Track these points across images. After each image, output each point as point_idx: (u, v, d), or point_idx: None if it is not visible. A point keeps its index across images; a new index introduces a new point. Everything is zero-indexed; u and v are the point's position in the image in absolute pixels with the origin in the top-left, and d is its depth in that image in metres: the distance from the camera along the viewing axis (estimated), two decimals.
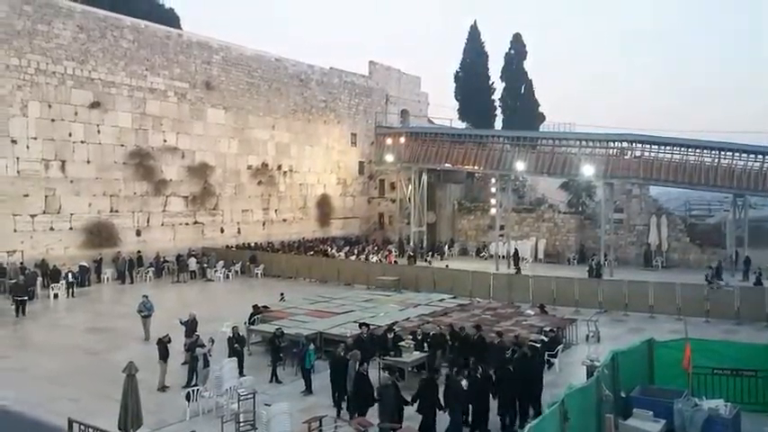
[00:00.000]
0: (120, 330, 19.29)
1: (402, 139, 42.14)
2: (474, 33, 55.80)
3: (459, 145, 39.73)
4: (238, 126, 37.25)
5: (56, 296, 24.73)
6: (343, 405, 12.03)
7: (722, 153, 31.77)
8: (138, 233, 31.68)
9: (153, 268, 30.55)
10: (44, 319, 21.78)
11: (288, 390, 13.53)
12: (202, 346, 13.74)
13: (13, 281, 23.24)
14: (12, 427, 9.31)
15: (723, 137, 32.57)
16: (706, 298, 20.59)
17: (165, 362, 13.82)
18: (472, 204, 43.44)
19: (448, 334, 15.12)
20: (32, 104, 27.47)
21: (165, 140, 33.02)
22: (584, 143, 35.47)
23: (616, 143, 34.65)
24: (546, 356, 14.49)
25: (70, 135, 28.87)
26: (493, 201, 38.62)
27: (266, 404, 11.66)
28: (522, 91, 56.01)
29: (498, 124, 55.55)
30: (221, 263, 31.70)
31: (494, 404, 11.46)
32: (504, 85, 56.14)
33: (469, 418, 11.23)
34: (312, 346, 14.02)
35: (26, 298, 21.80)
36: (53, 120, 28.25)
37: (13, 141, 26.82)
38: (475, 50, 55.36)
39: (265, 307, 18.66)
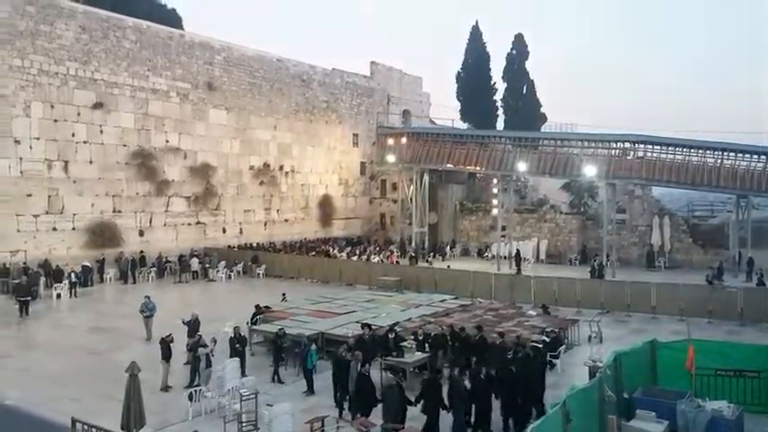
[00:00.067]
0: (122, 330, 19.31)
1: (404, 140, 42.17)
2: (475, 34, 55.80)
3: (460, 145, 39.73)
4: (240, 126, 37.29)
5: (59, 296, 24.77)
6: (345, 405, 12.03)
7: (725, 153, 31.73)
8: (141, 233, 31.73)
9: (155, 268, 30.58)
10: (47, 318, 21.82)
11: (290, 390, 13.54)
12: (205, 346, 13.76)
13: (17, 281, 23.27)
14: (16, 426, 9.32)
15: (726, 137, 32.46)
16: (709, 299, 20.55)
17: (168, 362, 13.82)
18: (474, 205, 43.42)
19: (448, 334, 15.12)
20: (35, 105, 27.53)
21: (167, 141, 33.07)
22: (586, 144, 35.46)
23: (618, 143, 34.63)
24: (548, 357, 14.47)
25: (73, 135, 28.93)
26: (494, 201, 38.61)
27: (268, 404, 11.67)
28: (524, 91, 56.00)
29: (500, 125, 55.55)
30: (223, 263, 31.72)
31: (496, 404, 11.45)
32: (505, 85, 56.14)
33: (472, 419, 11.22)
34: (314, 347, 14.03)
35: (29, 298, 21.84)
36: (56, 120, 28.30)
37: (17, 142, 26.88)
38: (476, 51, 55.37)
39: (267, 307, 18.66)
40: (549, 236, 38.64)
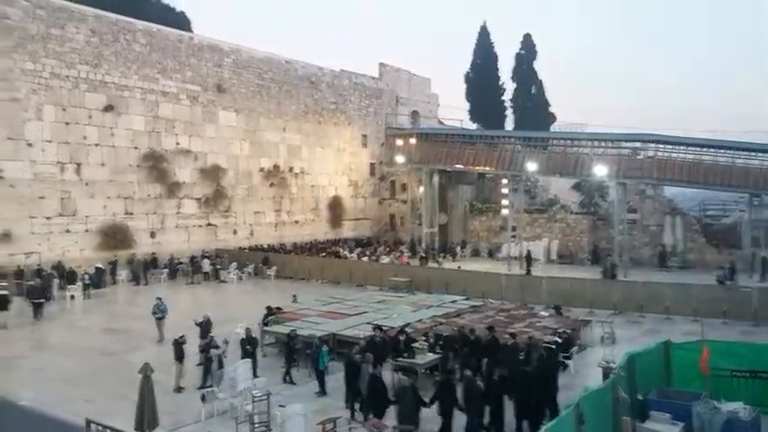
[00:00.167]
0: (135, 332, 19.42)
1: (412, 141, 42.14)
2: (484, 34, 55.71)
3: (470, 146, 39.65)
4: (250, 128, 37.43)
5: (72, 297, 24.95)
6: (357, 407, 12.02)
7: (737, 152, 31.44)
8: (153, 235, 31.93)
9: (167, 270, 30.73)
10: (61, 320, 21.98)
11: (302, 391, 13.55)
12: (217, 347, 13.80)
13: (30, 283, 23.45)
14: (31, 426, 9.40)
15: (738, 136, 32.13)
16: (723, 299, 20.37)
17: (181, 362, 13.88)
18: (484, 205, 43.29)
19: (458, 336, 15.04)
20: (47, 108, 27.78)
21: (177, 143, 33.26)
22: (596, 143, 35.28)
23: (629, 143, 34.42)
24: (561, 358, 14.38)
25: (84, 138, 29.17)
26: (504, 202, 38.46)
27: (280, 405, 11.68)
28: (533, 91, 55.83)
29: (509, 125, 55.43)
30: (234, 264, 31.84)
31: (508, 405, 11.40)
32: (514, 85, 56.00)
33: (485, 420, 11.17)
34: (325, 348, 14.03)
35: (43, 300, 21.98)
36: (67, 123, 28.54)
37: (29, 145, 27.14)
38: (485, 51, 55.28)
39: (278, 308, 18.69)
40: (560, 236, 38.44)
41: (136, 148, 31.31)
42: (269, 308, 18.04)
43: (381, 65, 49.41)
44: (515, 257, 33.87)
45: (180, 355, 13.88)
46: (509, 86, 56.17)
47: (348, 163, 44.74)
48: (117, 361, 16.05)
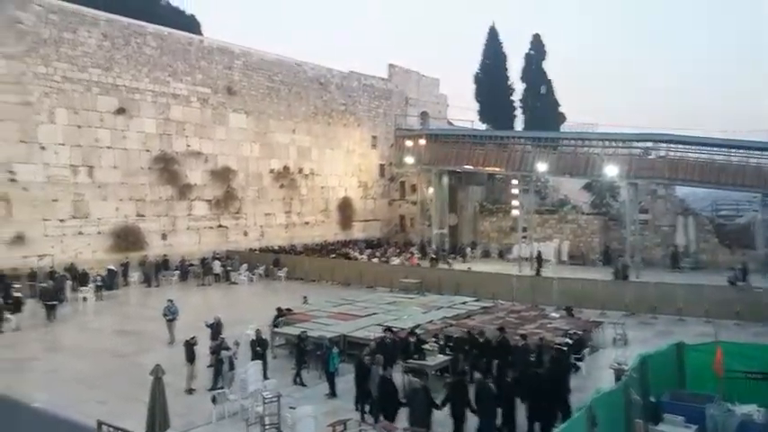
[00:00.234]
0: (147, 333, 19.54)
1: (422, 141, 42.12)
2: (493, 35, 55.67)
3: (479, 146, 39.56)
4: (260, 130, 37.57)
5: (84, 299, 25.14)
6: (367, 409, 12.01)
7: (750, 152, 31.12)
8: (164, 237, 32.13)
9: (178, 271, 30.89)
10: (73, 322, 22.15)
11: (312, 393, 13.56)
12: (227, 348, 13.84)
13: (43, 285, 23.67)
14: (44, 428, 9.48)
15: (743, 136, 31.85)
16: (736, 300, 20.17)
17: (192, 364, 13.93)
18: (494, 206, 43.15)
19: (467, 338, 14.98)
20: (59, 111, 28.04)
21: (188, 145, 33.45)
22: (606, 143, 35.08)
23: (640, 143, 34.19)
24: (572, 360, 14.31)
25: (97, 141, 29.41)
26: (515, 202, 38.33)
27: (291, 407, 11.70)
28: (543, 91, 55.67)
29: (519, 125, 55.29)
30: (245, 266, 31.94)
31: (520, 407, 11.36)
32: (524, 85, 55.87)
33: (497, 422, 11.13)
34: (336, 350, 14.03)
35: (56, 302, 22.16)
36: (80, 126, 28.79)
37: (42, 148, 27.39)
38: (494, 52, 55.23)
39: (289, 310, 18.72)
40: (571, 237, 38.23)
41: (147, 150, 31.52)
42: (279, 309, 18.08)
43: (391, 66, 49.43)
44: (526, 258, 33.72)
45: (191, 357, 13.94)
46: (518, 87, 56.09)
47: (358, 164, 44.79)
48: (129, 362, 16.16)
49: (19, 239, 26.29)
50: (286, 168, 39.14)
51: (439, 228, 40.06)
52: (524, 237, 35.39)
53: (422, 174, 42.28)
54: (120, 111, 30.32)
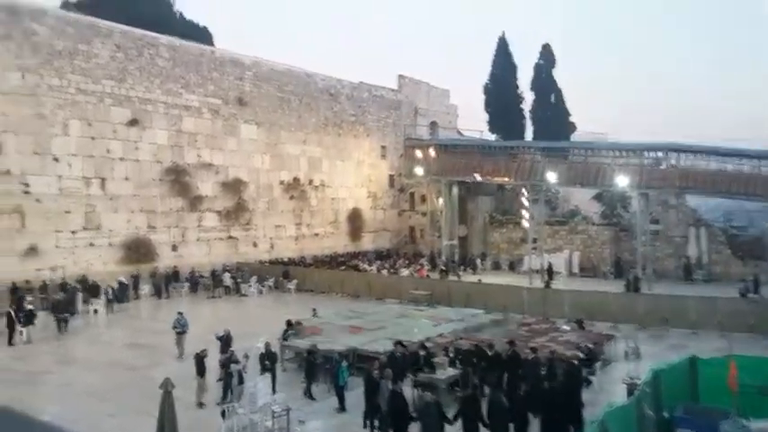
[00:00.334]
0: (157, 347, 19.56)
1: (432, 152, 42.17)
2: (502, 45, 55.78)
3: (489, 157, 39.55)
4: (271, 141, 37.77)
5: (95, 312, 25.25)
6: (376, 423, 11.94)
7: (762, 161, 30.83)
8: (175, 248, 32.26)
9: (188, 283, 30.97)
10: (84, 334, 22.24)
11: (321, 407, 13.51)
12: (237, 362, 13.83)
13: (56, 297, 23.80)
14: None
15: (750, 143, 31.67)
16: (751, 313, 19.92)
17: (203, 377, 13.92)
18: (504, 217, 43.02)
19: (476, 351, 14.87)
20: (73, 123, 28.32)
21: (199, 157, 33.67)
22: (617, 153, 34.93)
23: (650, 152, 34.01)
24: (584, 374, 14.17)
25: (109, 152, 29.66)
26: (525, 213, 38.20)
27: (300, 421, 11.68)
28: (553, 101, 55.66)
29: (529, 135, 55.24)
30: (255, 278, 31.97)
31: (533, 421, 11.26)
32: (533, 95, 55.88)
33: None
34: (345, 363, 13.98)
35: (67, 315, 22.23)
36: (93, 138, 29.06)
37: (55, 159, 27.67)
38: (504, 62, 55.32)
39: (298, 322, 18.70)
40: (582, 248, 38.01)
41: (159, 162, 31.75)
42: (289, 322, 18.06)
43: (400, 77, 49.61)
44: (536, 270, 33.52)
45: (201, 370, 13.94)
46: (528, 96, 56.09)
47: (367, 175, 44.86)
48: (139, 376, 16.18)
49: (32, 251, 26.51)
50: (296, 180, 39.28)
51: (449, 239, 39.97)
52: (534, 248, 35.21)
53: (431, 184, 42.27)
54: (133, 122, 30.59)
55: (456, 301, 24.80)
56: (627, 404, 9.82)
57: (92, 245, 28.79)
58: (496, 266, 40.51)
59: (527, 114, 56.63)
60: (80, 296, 26.08)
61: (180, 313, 18.55)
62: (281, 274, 32.78)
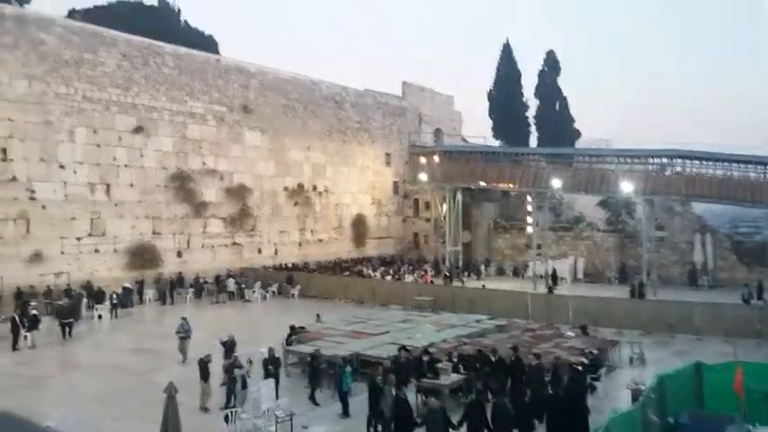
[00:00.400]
0: (161, 352, 19.58)
1: (436, 158, 42.26)
2: (506, 51, 55.85)
3: (493, 163, 39.59)
4: (275, 148, 37.89)
5: (100, 317, 25.31)
6: (379, 429, 11.91)
7: (767, 167, 30.74)
8: (179, 254, 32.34)
9: (193, 289, 31.02)
10: (89, 340, 22.28)
11: (325, 412, 13.49)
12: (240, 367, 13.83)
13: (60, 303, 23.86)
14: None
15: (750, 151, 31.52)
16: (756, 319, 19.82)
17: (207, 382, 13.92)
18: (508, 223, 43.00)
19: (478, 357, 14.82)
20: (79, 130, 28.50)
21: (204, 163, 33.80)
22: (622, 159, 34.89)
23: (655, 159, 33.96)
24: (588, 380, 14.11)
25: (114, 159, 29.81)
26: (529, 219, 38.17)
27: (304, 426, 11.66)
28: (557, 107, 55.66)
29: (533, 141, 55.24)
30: (259, 283, 31.99)
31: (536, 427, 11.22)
32: (537, 102, 55.90)
33: None
34: (349, 369, 13.97)
35: (72, 320, 22.25)
36: (98, 145, 29.23)
37: (61, 167, 27.83)
38: (508, 68, 55.36)
39: (302, 328, 18.72)
40: (587, 254, 37.92)
41: (164, 168, 31.89)
42: (292, 327, 18.08)
43: (404, 83, 49.77)
44: (541, 276, 33.47)
45: (205, 375, 13.94)
46: (532, 103, 56.12)
47: (372, 181, 44.92)
48: (143, 381, 16.18)
49: (36, 257, 26.62)
50: (300, 186, 39.37)
51: (453, 245, 39.95)
52: (539, 254, 35.15)
53: (436, 191, 42.29)
54: (138, 129, 30.77)
55: (460, 307, 24.78)
56: (632, 410, 9.78)
57: (97, 251, 28.89)
58: (501, 272, 40.45)
59: (531, 121, 56.67)
60: (84, 302, 26.16)
61: (183, 319, 18.58)
62: (285, 279, 32.81)
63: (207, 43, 46.20)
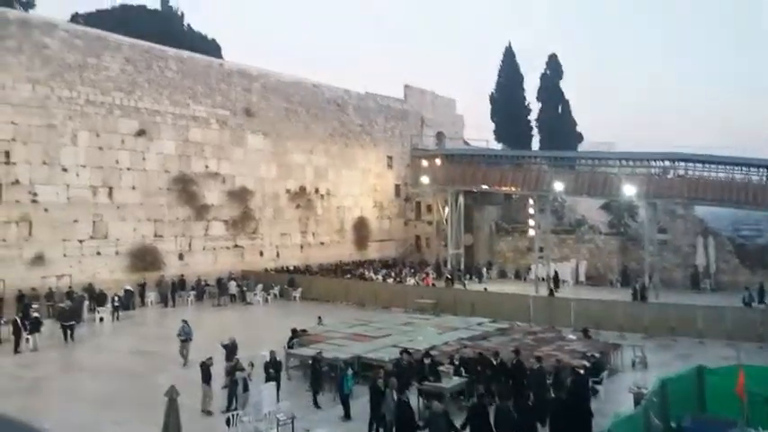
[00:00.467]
0: (163, 354, 19.59)
1: (438, 162, 42.25)
2: (509, 55, 55.95)
3: (495, 166, 39.57)
4: (277, 151, 37.93)
5: (101, 320, 25.35)
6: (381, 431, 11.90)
7: None
8: (181, 257, 32.36)
9: (194, 292, 31.04)
10: (90, 342, 22.29)
11: (326, 415, 13.48)
12: (242, 369, 13.83)
13: (62, 305, 23.90)
14: None
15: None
16: (759, 322, 19.76)
17: (209, 385, 13.91)
18: (510, 226, 42.97)
19: (478, 360, 14.79)
20: (82, 134, 28.56)
21: (206, 166, 33.84)
22: (624, 162, 34.87)
23: (658, 162, 33.94)
24: (591, 383, 14.07)
25: (117, 162, 29.86)
26: (531, 222, 38.12)
27: (305, 429, 11.65)
28: (559, 111, 55.70)
29: (535, 145, 55.27)
30: (260, 286, 32.01)
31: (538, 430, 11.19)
32: (540, 105, 55.95)
33: None
34: (350, 371, 13.95)
35: (73, 323, 22.26)
36: (101, 148, 29.29)
37: (64, 170, 27.89)
38: (510, 72, 55.45)
39: (304, 331, 18.72)
40: (589, 257, 37.86)
41: (166, 171, 31.93)
42: (294, 330, 18.07)
43: (407, 87, 49.79)
44: (542, 279, 33.43)
45: (207, 378, 13.93)
46: (534, 106, 56.19)
47: (373, 184, 44.93)
48: (145, 383, 16.18)
49: (38, 260, 26.66)
50: (302, 189, 39.40)
51: (455, 248, 39.92)
52: (541, 257, 35.12)
53: (437, 194, 42.28)
54: (141, 133, 30.82)
55: (461, 310, 24.76)
56: (634, 414, 9.76)
57: (99, 253, 28.93)
58: (502, 275, 40.42)
59: (533, 124, 56.71)
60: (86, 304, 26.19)
61: (184, 321, 18.56)
62: (287, 282, 32.82)
63: (210, 47, 46.37)
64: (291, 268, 36.85)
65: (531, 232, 37.86)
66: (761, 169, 30.98)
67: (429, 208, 45.03)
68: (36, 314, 21.60)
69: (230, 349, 15.81)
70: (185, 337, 18.17)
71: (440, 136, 51.81)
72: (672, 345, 20.10)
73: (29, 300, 24.36)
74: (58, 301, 25.19)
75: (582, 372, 13.71)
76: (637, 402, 11.43)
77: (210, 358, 14.26)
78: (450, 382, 13.65)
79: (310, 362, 14.89)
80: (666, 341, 20.42)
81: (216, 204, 34.21)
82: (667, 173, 33.67)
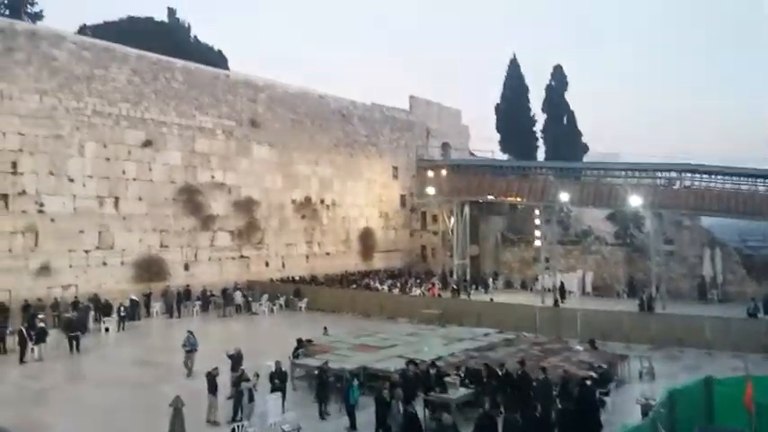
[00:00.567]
0: (168, 364, 19.57)
1: (443, 172, 42.31)
2: (514, 66, 56.15)
3: (501, 177, 39.59)
4: (283, 161, 38.06)
5: (107, 330, 25.36)
6: None
7: None
8: (187, 267, 32.41)
9: (200, 302, 31.04)
10: (96, 353, 22.29)
11: (332, 426, 13.42)
12: (247, 380, 13.80)
13: (67, 316, 23.93)
14: None
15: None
16: (766, 333, 19.60)
17: (215, 395, 13.88)
18: (516, 237, 42.89)
19: (484, 371, 14.72)
20: (89, 144, 28.74)
21: (212, 177, 33.97)
22: (630, 173, 34.81)
23: (664, 172, 33.86)
24: (598, 395, 13.97)
25: (123, 173, 30.02)
26: (537, 233, 38.03)
27: None
28: (565, 121, 55.78)
29: (540, 155, 55.30)
30: (266, 296, 31.99)
31: None
32: (545, 116, 56.05)
33: None
34: (356, 382, 13.90)
35: (79, 333, 22.24)
36: (108, 159, 29.46)
37: (71, 180, 28.05)
38: (515, 83, 55.63)
39: (309, 341, 18.67)
40: (595, 267, 37.70)
41: (172, 182, 32.07)
42: (299, 340, 18.04)
43: (412, 98, 49.99)
44: (548, 289, 33.29)
45: (213, 388, 13.91)
46: (540, 117, 56.28)
47: (379, 195, 44.99)
48: (150, 394, 16.17)
49: (44, 270, 26.74)
50: (308, 199, 39.48)
51: (460, 258, 39.85)
52: (547, 267, 35.00)
53: (443, 204, 42.29)
54: (147, 143, 31.00)
55: (467, 321, 24.63)
56: (642, 425, 9.70)
57: (104, 264, 29.01)
58: (508, 286, 40.30)
59: (539, 135, 56.78)
60: (92, 314, 26.22)
61: (190, 332, 18.54)
62: (292, 292, 32.79)
63: (216, 58, 46.75)
64: (297, 279, 36.85)
65: (537, 243, 37.74)
66: (767, 180, 30.87)
67: (435, 218, 45.04)
68: (42, 324, 21.64)
69: (236, 359, 15.78)
70: (190, 347, 18.14)
71: (445, 147, 51.91)
72: (679, 356, 19.95)
73: (35, 310, 24.41)
74: (64, 312, 25.24)
75: (589, 383, 13.63)
76: (644, 414, 11.34)
77: (216, 368, 14.25)
78: (457, 392, 13.57)
79: (316, 372, 14.85)
80: (674, 352, 20.27)
81: (221, 215, 34.30)
82: (673, 183, 33.62)
